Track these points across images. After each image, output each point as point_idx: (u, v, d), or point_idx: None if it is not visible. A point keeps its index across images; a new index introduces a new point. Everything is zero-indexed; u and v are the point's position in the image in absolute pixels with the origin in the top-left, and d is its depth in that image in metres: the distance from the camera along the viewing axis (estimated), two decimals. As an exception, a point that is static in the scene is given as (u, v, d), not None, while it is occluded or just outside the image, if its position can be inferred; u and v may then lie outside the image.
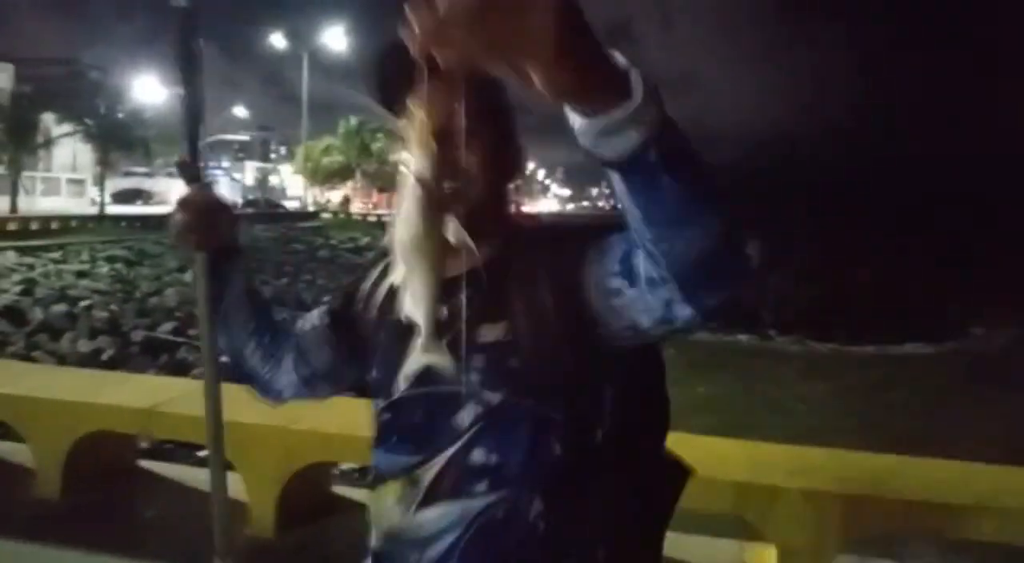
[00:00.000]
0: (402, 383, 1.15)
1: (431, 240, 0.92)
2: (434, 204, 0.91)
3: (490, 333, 1.07)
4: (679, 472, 1.21)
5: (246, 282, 1.40)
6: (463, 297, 0.94)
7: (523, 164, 1.26)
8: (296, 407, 1.34)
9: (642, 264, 0.91)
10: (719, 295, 0.89)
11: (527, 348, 1.05)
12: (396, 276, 0.99)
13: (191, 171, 1.29)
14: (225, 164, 62.56)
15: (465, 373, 1.04)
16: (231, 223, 1.34)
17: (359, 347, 1.29)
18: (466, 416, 1.07)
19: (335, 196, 59.52)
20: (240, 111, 52.85)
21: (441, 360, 0.98)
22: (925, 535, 2.31)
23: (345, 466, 4.37)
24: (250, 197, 57.86)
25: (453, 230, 0.93)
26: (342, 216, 46.16)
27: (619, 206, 0.85)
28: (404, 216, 0.91)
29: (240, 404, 1.54)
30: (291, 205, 57.63)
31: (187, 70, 1.26)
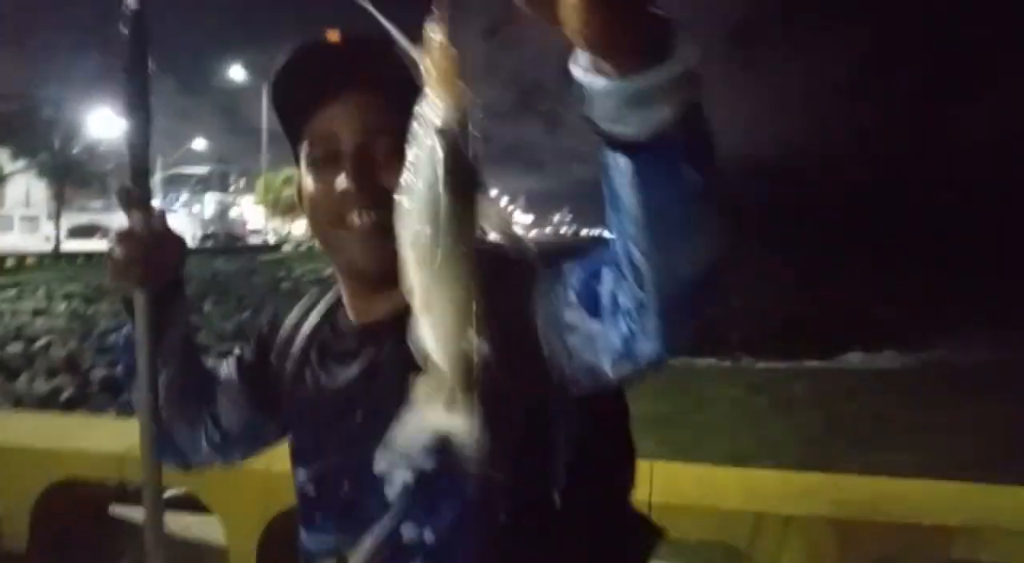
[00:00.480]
0: (326, 449, 1.01)
1: (463, 231, 0.64)
2: (467, 174, 0.64)
3: None
4: (649, 531, 1.07)
5: (185, 328, 1.20)
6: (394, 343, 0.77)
7: None
8: (276, 447, 1.25)
9: (610, 288, 0.78)
10: (693, 325, 0.76)
11: None
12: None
13: (136, 198, 1.09)
14: (184, 198, 61.73)
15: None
16: (179, 257, 1.14)
17: (276, 404, 1.15)
18: (395, 486, 0.93)
19: (297, 228, 59.06)
20: (199, 144, 52.33)
21: (463, 426, 0.72)
22: (919, 559, 2.30)
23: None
24: (210, 230, 57.21)
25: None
26: (304, 248, 45.70)
27: (612, 207, 0.69)
28: (419, 196, 0.64)
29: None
30: (254, 238, 57.19)
31: (135, 83, 1.07)
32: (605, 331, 0.80)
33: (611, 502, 1.02)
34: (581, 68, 0.61)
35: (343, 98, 0.98)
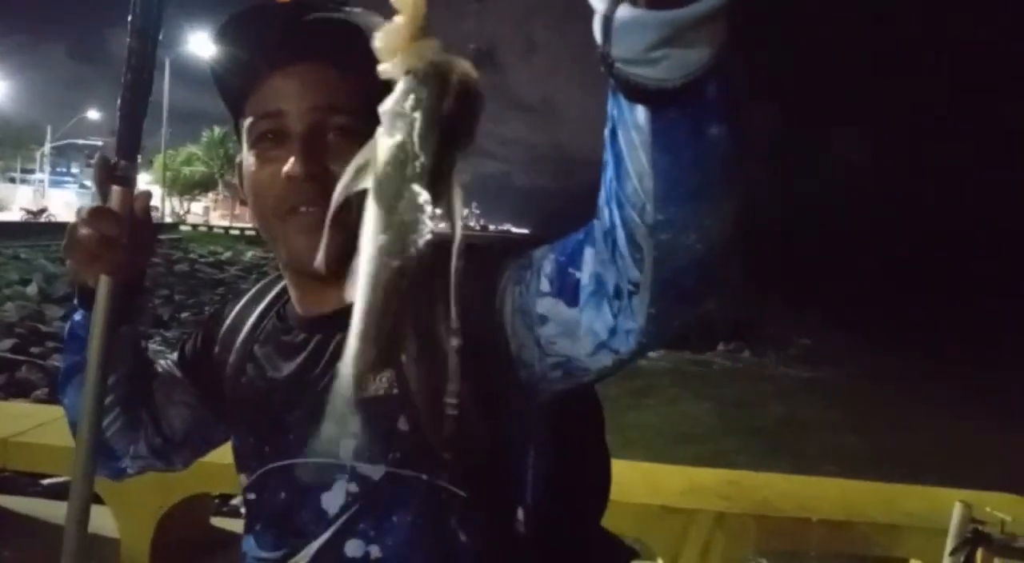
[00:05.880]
0: (266, 452, 0.91)
1: (408, 206, 0.52)
2: (432, 142, 0.51)
3: (370, 385, 0.81)
4: (621, 552, 1.00)
5: (140, 324, 1.08)
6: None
7: None
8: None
9: (593, 269, 0.68)
10: (691, 314, 0.65)
11: (419, 404, 0.79)
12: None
13: (120, 172, 0.93)
14: (75, 170, 58.54)
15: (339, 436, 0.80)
16: (152, 243, 1.01)
17: (221, 401, 1.04)
18: (336, 496, 0.83)
19: (196, 208, 57.04)
20: (93, 114, 49.54)
21: (344, 424, 0.63)
22: (804, 550, 2.43)
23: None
24: (101, 206, 54.49)
25: (422, 199, 0.52)
26: (203, 229, 44.12)
27: (616, 175, 0.59)
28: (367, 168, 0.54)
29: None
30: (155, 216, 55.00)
31: (139, 40, 0.90)
32: (586, 319, 0.69)
33: (581, 523, 0.95)
34: None
35: (294, 69, 0.85)
